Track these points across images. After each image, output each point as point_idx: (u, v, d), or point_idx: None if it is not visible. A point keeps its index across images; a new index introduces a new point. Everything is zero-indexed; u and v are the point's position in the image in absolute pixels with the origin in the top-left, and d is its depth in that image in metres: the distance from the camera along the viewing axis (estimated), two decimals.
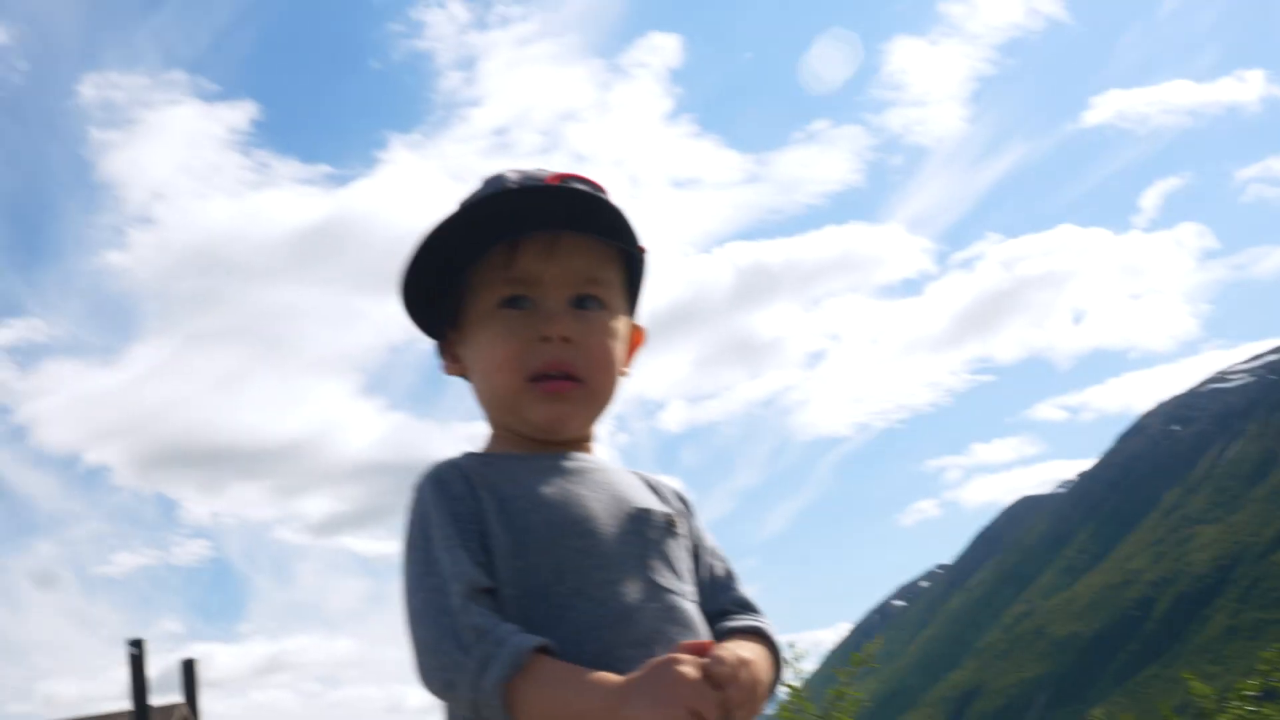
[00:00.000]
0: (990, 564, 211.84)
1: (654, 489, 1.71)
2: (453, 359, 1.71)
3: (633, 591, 1.51)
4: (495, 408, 1.66)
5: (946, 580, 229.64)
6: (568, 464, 1.61)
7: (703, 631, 1.56)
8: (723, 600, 1.67)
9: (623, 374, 1.71)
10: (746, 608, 1.68)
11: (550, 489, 1.55)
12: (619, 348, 1.67)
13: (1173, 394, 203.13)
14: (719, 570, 1.70)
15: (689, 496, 1.76)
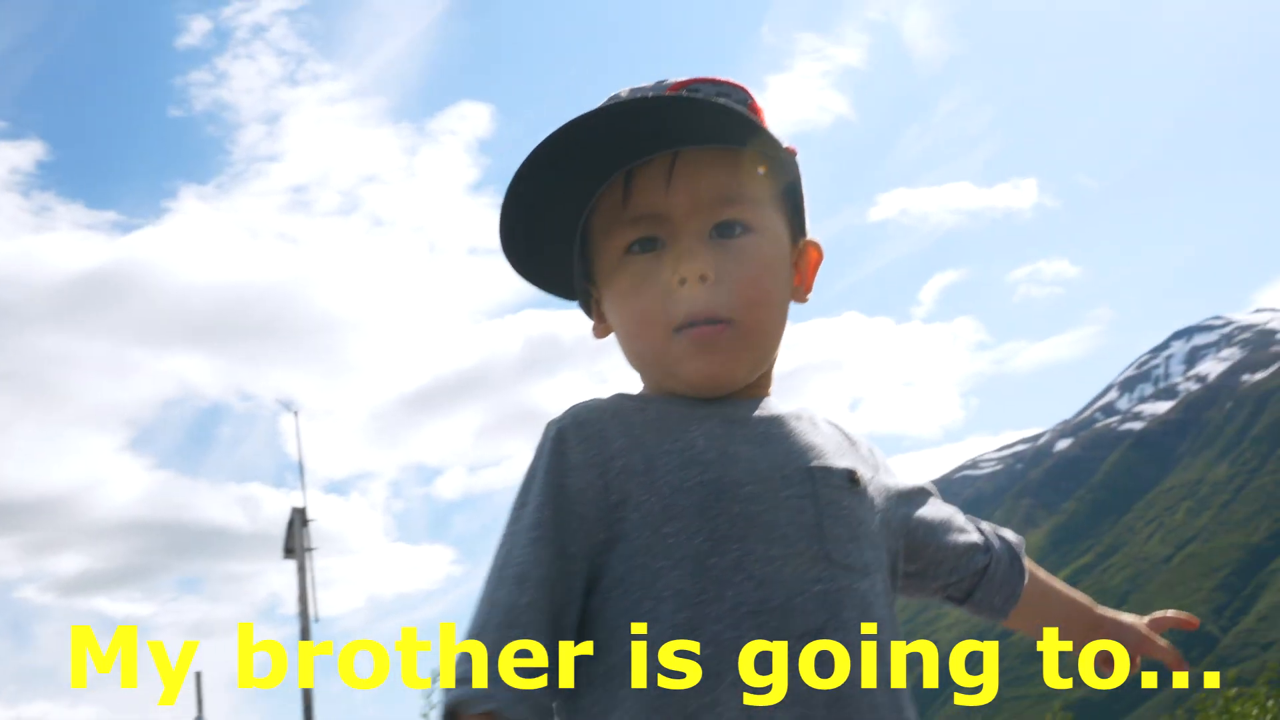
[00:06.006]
0: None
1: (850, 441, 1.48)
2: (600, 318, 1.47)
3: (802, 568, 1.28)
4: (646, 371, 1.43)
5: None
6: (734, 413, 1.37)
7: (881, 615, 1.31)
8: (961, 546, 1.54)
9: (795, 299, 1.47)
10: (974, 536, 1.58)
11: (708, 444, 1.32)
12: (777, 273, 1.41)
13: (929, 479, 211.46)
14: (939, 520, 1.53)
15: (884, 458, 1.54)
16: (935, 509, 1.53)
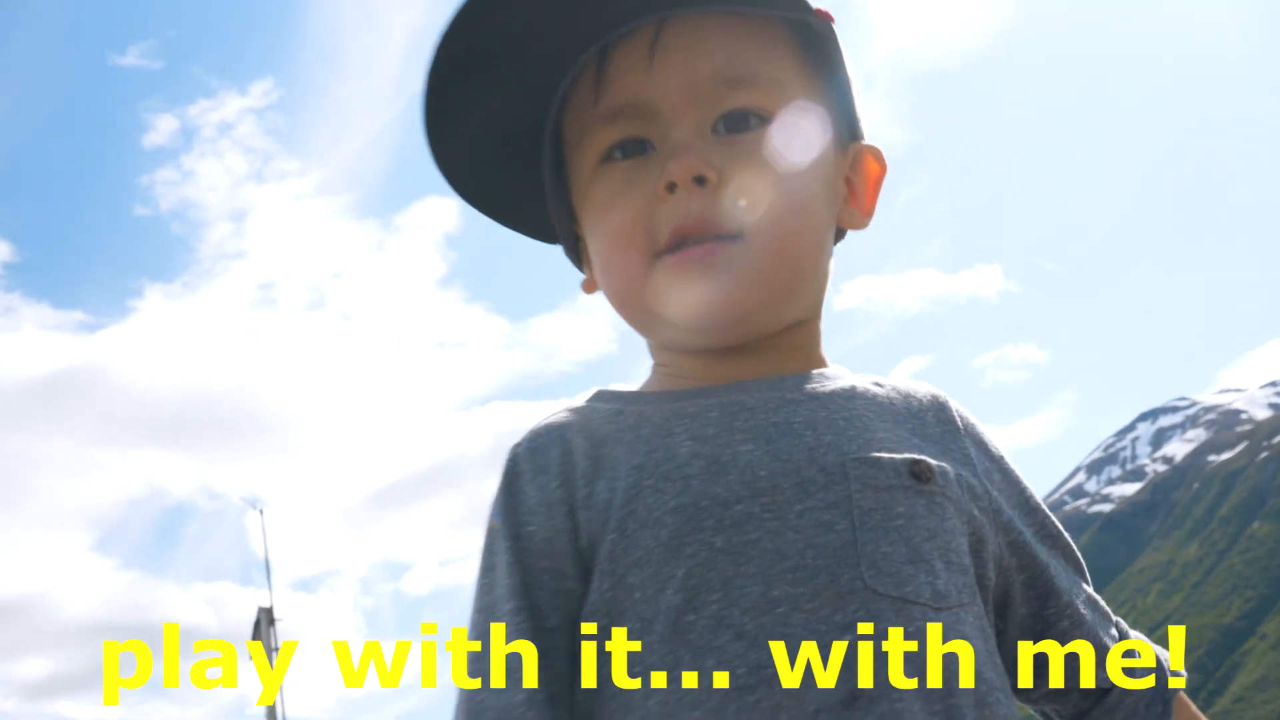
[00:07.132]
0: None
1: (949, 425, 1.05)
2: (590, 266, 1.10)
3: (823, 611, 0.88)
4: (630, 319, 1.06)
5: None
6: (744, 398, 0.99)
7: (974, 671, 0.90)
8: (1075, 617, 1.07)
9: (848, 224, 1.09)
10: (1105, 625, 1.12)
11: (694, 450, 0.95)
12: (810, 179, 1.02)
13: None
14: (1072, 579, 1.09)
15: (990, 439, 1.08)
16: (1070, 575, 1.10)
